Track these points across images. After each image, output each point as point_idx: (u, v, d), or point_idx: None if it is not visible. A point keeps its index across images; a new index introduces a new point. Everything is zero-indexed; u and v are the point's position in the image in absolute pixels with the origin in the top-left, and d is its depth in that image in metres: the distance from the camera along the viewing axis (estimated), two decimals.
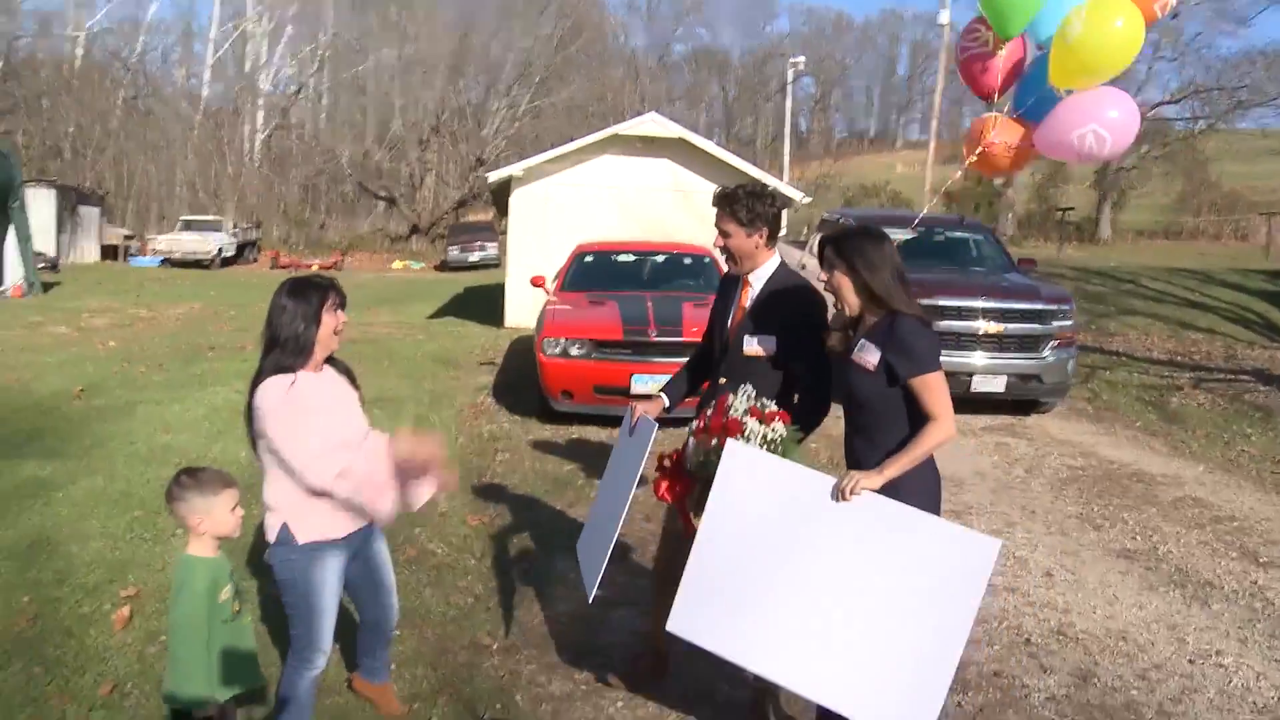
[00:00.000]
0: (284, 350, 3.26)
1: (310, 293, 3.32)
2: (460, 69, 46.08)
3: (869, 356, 3.28)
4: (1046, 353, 9.70)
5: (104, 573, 5.09)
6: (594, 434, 8.89)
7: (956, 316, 9.61)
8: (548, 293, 10.56)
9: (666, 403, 4.12)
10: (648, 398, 4.10)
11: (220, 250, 36.05)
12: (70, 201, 33.98)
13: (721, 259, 4.04)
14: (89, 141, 44.98)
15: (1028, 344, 9.68)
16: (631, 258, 11.20)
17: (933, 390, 3.20)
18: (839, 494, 3.15)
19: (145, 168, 47.44)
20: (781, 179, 28.63)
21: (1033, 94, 4.64)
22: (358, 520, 3.40)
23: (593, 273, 10.78)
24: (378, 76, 43.99)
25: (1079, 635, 4.84)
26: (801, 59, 35.90)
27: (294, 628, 3.38)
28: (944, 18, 30.07)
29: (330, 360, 3.46)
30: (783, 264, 3.94)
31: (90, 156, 44.59)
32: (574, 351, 8.84)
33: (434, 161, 43.89)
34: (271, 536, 3.31)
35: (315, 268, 38.13)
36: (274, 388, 3.19)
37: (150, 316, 18.06)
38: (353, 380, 3.55)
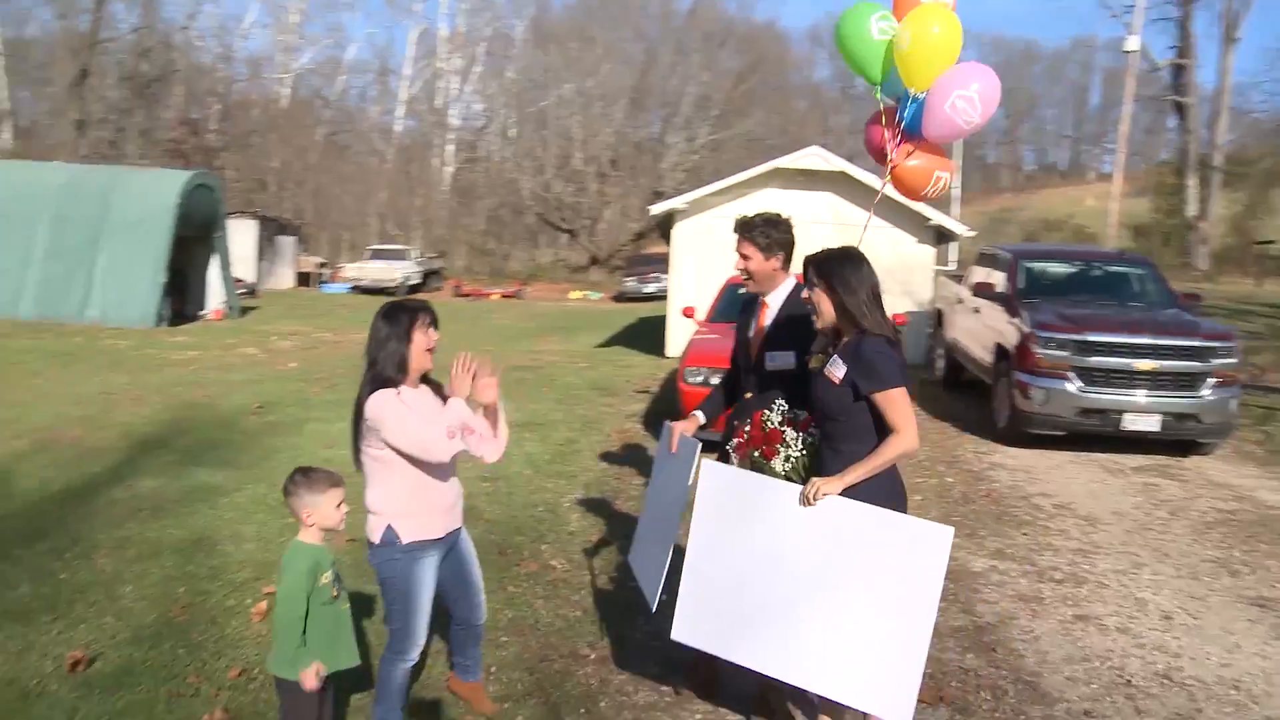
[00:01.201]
0: (382, 367, 3.59)
1: (402, 315, 3.62)
2: (640, 102, 47.14)
3: (836, 370, 3.52)
4: (1205, 391, 9.32)
5: (252, 571, 5.62)
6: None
7: (1108, 353, 9.35)
8: (697, 323, 10.83)
9: (703, 419, 4.39)
10: (686, 417, 4.37)
11: (406, 278, 37.79)
12: (269, 231, 36.37)
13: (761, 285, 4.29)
14: (290, 175, 48.06)
15: (1185, 382, 9.33)
16: None
17: (894, 405, 3.43)
18: (804, 499, 3.42)
19: (340, 199, 50.33)
20: (951, 212, 28.06)
21: (905, 109, 4.71)
22: (455, 519, 3.77)
23: (739, 303, 10.93)
24: (558, 110, 45.41)
25: (1186, 681, 4.73)
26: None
27: (392, 622, 3.69)
28: (1132, 44, 28.85)
29: (425, 380, 3.76)
30: (797, 285, 4.18)
31: (290, 189, 47.62)
32: (715, 381, 9.03)
33: (613, 194, 44.94)
34: (375, 538, 3.63)
35: (496, 296, 39.56)
36: (382, 397, 3.52)
37: (334, 340, 19.23)
38: (442, 395, 3.79)
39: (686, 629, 3.71)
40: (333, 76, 59.62)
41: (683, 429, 4.23)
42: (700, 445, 4.09)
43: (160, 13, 45.02)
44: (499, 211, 52.64)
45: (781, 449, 3.68)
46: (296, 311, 25.93)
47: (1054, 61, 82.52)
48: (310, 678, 3.30)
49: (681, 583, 3.74)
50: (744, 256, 4.24)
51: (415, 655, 3.71)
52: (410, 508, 3.61)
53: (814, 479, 3.46)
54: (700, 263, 16.61)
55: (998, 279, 11.50)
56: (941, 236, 17.79)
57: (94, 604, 5.20)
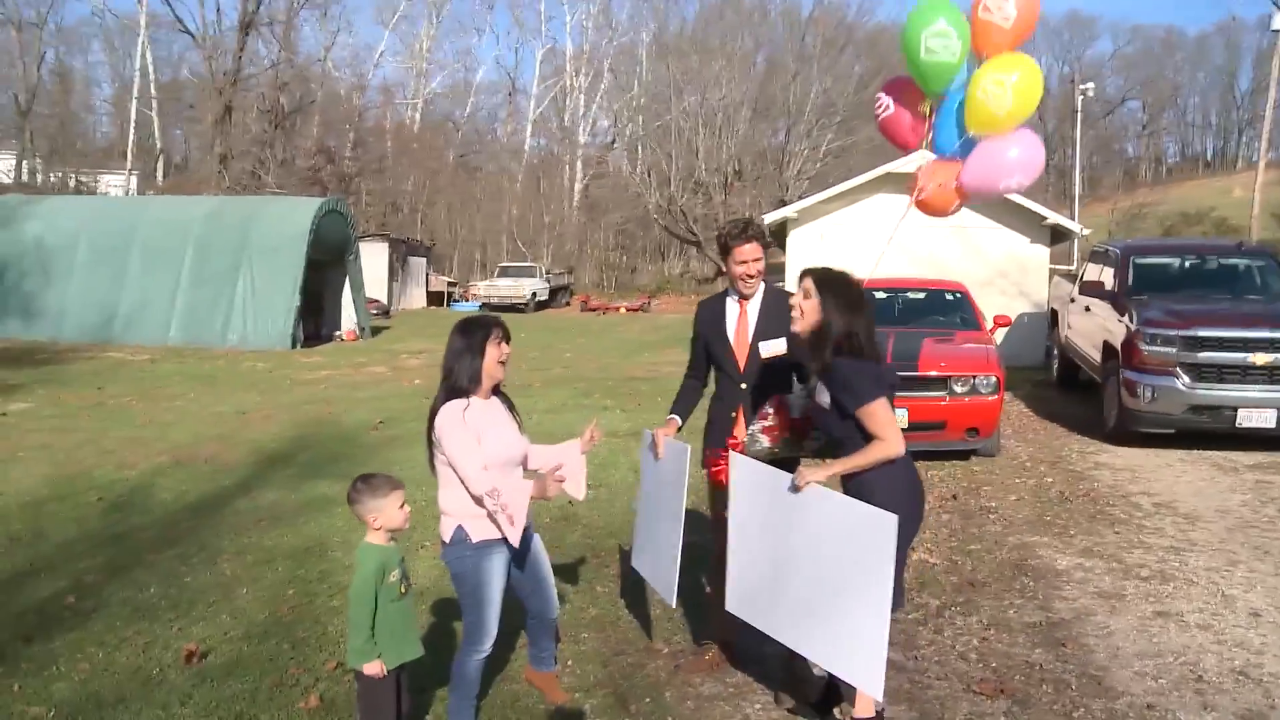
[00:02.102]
0: (456, 379, 3.83)
1: (476, 329, 3.85)
2: (763, 112, 47.14)
3: (822, 397, 3.81)
4: None
5: (347, 574, 5.98)
6: None
7: (1219, 348, 9.11)
8: None
9: (679, 423, 4.65)
10: (667, 422, 4.64)
11: (534, 295, 38.60)
12: (401, 253, 37.65)
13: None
14: (423, 197, 49.66)
15: None
16: (883, 295, 11.35)
17: (874, 417, 3.66)
18: (794, 486, 3.72)
19: (471, 219, 51.71)
20: (1073, 210, 27.32)
21: (955, 138, 4.74)
22: (524, 520, 3.94)
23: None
24: (681, 123, 45.77)
25: (1263, 678, 4.65)
26: (1090, 85, 33.87)
27: (466, 617, 3.93)
28: (1278, 21, 27.61)
29: (497, 392, 4.01)
30: (768, 285, 4.54)
31: (422, 211, 49.20)
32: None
33: (738, 204, 45.00)
34: (447, 537, 3.87)
35: (622, 310, 40.01)
36: (451, 411, 3.76)
37: None
38: (513, 409, 4.09)
39: (737, 601, 4.14)
40: (463, 99, 61.43)
41: (664, 433, 4.53)
42: (689, 448, 4.41)
43: (297, 47, 47.24)
44: (626, 226, 53.28)
45: (815, 432, 4.09)
46: (426, 330, 26.75)
47: (1198, 47, 79.17)
48: (375, 668, 3.56)
49: (729, 563, 4.15)
50: (754, 260, 4.43)
51: (488, 647, 3.92)
52: (478, 509, 3.81)
53: (801, 469, 3.77)
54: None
55: (1107, 276, 11.28)
56: (1058, 235, 17.41)
57: (212, 604, 5.63)
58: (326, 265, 23.93)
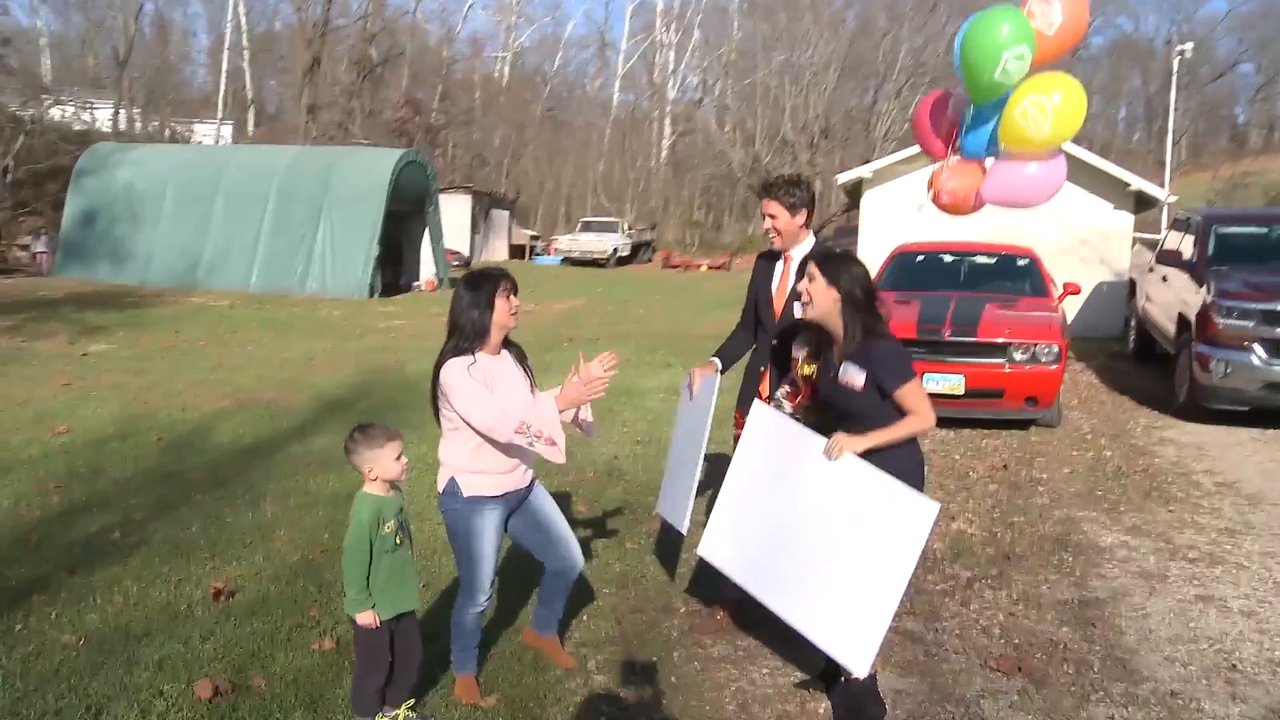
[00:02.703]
0: (463, 334, 3.75)
1: (484, 282, 3.78)
2: (851, 70, 46.25)
3: (855, 379, 3.73)
4: None
5: None
6: None
7: None
8: None
9: (720, 366, 4.64)
10: (706, 363, 4.65)
11: (615, 250, 38.60)
12: (484, 205, 37.94)
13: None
14: (509, 150, 49.84)
15: None
16: (950, 258, 11.09)
17: (911, 395, 3.69)
18: (828, 452, 3.68)
19: (557, 173, 51.82)
20: (1165, 176, 26.33)
21: (984, 144, 4.58)
22: (515, 482, 3.91)
23: (909, 273, 10.82)
24: (767, 81, 45.18)
25: None
26: (1188, 46, 32.40)
27: (459, 570, 3.95)
28: None
29: (509, 345, 3.95)
30: (818, 241, 4.51)
31: (508, 164, 49.40)
32: None
33: (824, 164, 44.34)
34: (440, 487, 3.87)
35: (704, 268, 39.85)
36: (456, 367, 3.70)
37: (535, 310, 19.92)
38: (525, 363, 4.01)
39: (710, 548, 4.13)
40: (552, 53, 61.38)
41: (701, 373, 4.56)
42: (719, 378, 4.48)
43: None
44: (712, 183, 52.91)
45: None
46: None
47: None
48: (367, 618, 3.56)
49: (715, 506, 4.14)
50: (771, 216, 4.48)
51: (482, 602, 3.92)
52: (471, 465, 3.79)
53: (838, 434, 3.69)
54: (889, 232, 16.32)
55: (1188, 245, 10.84)
56: (1146, 203, 16.80)
57: (249, 544, 5.75)
58: (406, 216, 24.22)
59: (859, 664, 3.52)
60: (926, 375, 8.59)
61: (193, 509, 6.38)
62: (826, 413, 4.00)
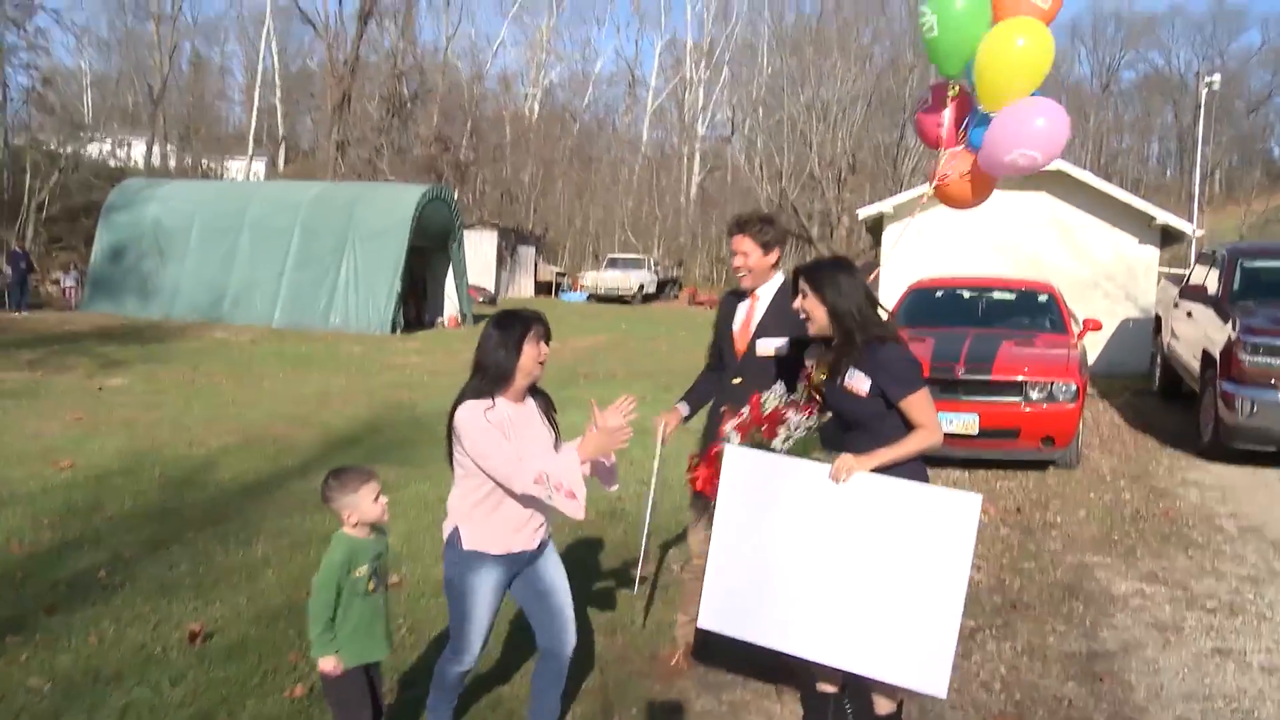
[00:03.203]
0: (486, 376, 3.51)
1: (515, 324, 3.53)
2: (879, 106, 46.26)
3: (860, 385, 3.57)
4: None
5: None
6: None
7: None
8: None
9: (687, 411, 4.53)
10: (671, 410, 4.54)
11: (641, 287, 38.59)
12: (510, 241, 38.07)
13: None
14: (537, 187, 50.11)
15: None
16: (967, 294, 10.89)
17: (918, 406, 3.54)
18: (834, 476, 3.51)
19: (585, 209, 51.98)
20: (1191, 210, 25.99)
21: (973, 123, 4.41)
22: (522, 542, 3.63)
23: (925, 309, 10.63)
24: (794, 116, 45.25)
25: None
26: (1216, 78, 32.15)
27: (451, 623, 3.71)
28: None
29: (536, 393, 3.70)
30: (785, 281, 4.32)
31: (535, 200, 49.64)
32: None
33: (851, 200, 44.25)
34: (445, 535, 3.65)
35: None
36: (472, 409, 3.46)
37: (557, 347, 19.51)
38: (551, 416, 3.74)
39: (715, 617, 3.84)
40: (581, 90, 61.76)
41: (667, 420, 4.44)
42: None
43: (416, 37, 48.14)
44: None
45: (782, 430, 3.83)
46: None
47: None
48: (329, 664, 3.38)
49: (707, 570, 3.87)
50: (743, 254, 4.33)
51: (469, 662, 3.69)
52: (477, 516, 3.57)
53: (844, 454, 3.55)
54: (910, 267, 16.12)
55: (1213, 280, 10.59)
56: (1172, 237, 16.53)
57: (235, 585, 5.61)
58: (430, 252, 24.30)
59: (936, 685, 3.35)
60: (941, 415, 8.37)
61: (184, 547, 6.27)
62: (775, 439, 3.86)
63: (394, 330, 21.53)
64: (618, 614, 5.32)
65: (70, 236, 30.77)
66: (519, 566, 3.68)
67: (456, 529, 3.61)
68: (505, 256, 37.55)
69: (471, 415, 3.46)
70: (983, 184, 4.77)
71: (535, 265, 41.10)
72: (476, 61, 54.84)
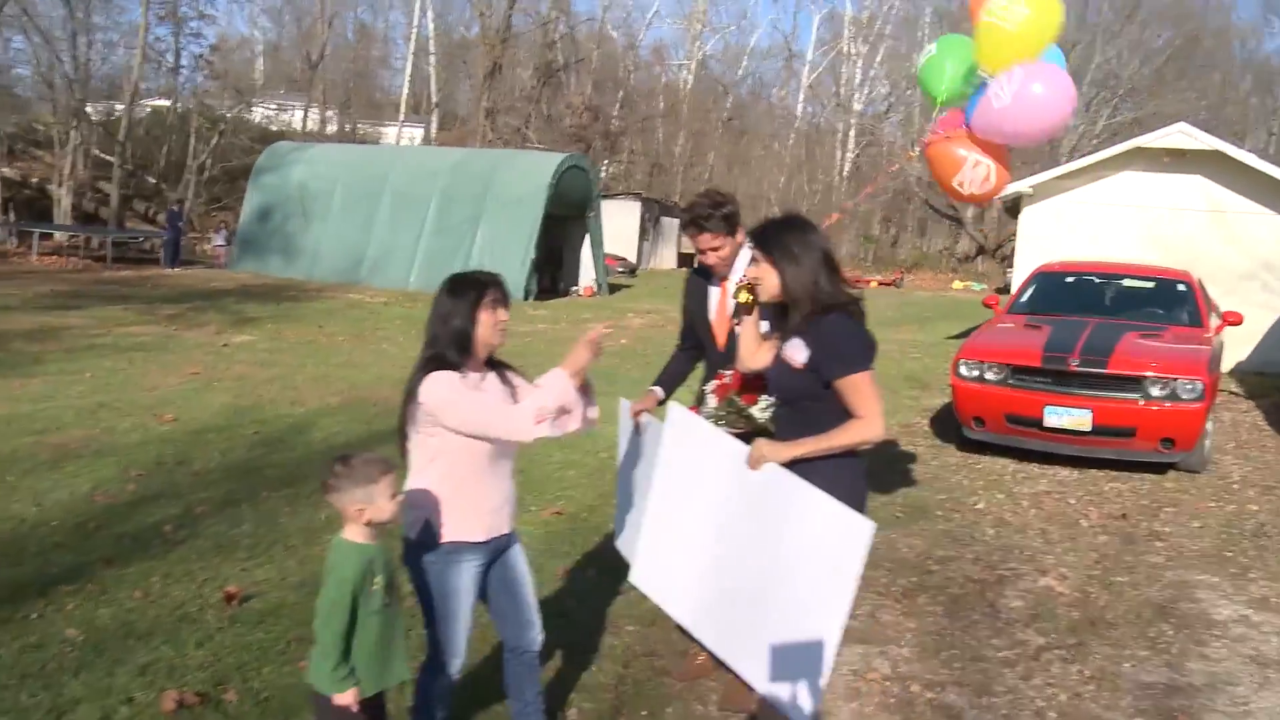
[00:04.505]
0: (443, 346, 3.20)
1: (468, 289, 3.23)
2: None
3: (796, 354, 3.18)
4: None
5: None
6: (998, 466, 8.25)
7: None
8: (997, 312, 10.01)
9: (661, 395, 4.19)
10: (645, 394, 4.19)
11: None
12: (653, 213, 37.96)
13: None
14: (686, 158, 49.84)
15: None
16: (1098, 281, 10.18)
17: (858, 390, 3.11)
18: (750, 462, 3.18)
19: (735, 183, 51.48)
20: None
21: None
22: (501, 524, 3.36)
23: (1050, 295, 9.99)
24: None
25: None
26: None
27: (430, 631, 3.35)
28: None
29: (495, 365, 3.37)
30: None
31: (683, 172, 49.38)
32: (989, 376, 8.28)
33: (1008, 179, 42.59)
34: (412, 534, 3.26)
35: (874, 284, 38.82)
36: (444, 380, 3.14)
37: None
38: (510, 382, 3.37)
39: (642, 574, 3.69)
40: (735, 62, 61.00)
41: (640, 406, 4.07)
42: (666, 408, 3.92)
43: (571, 4, 48.36)
44: (894, 198, 51.62)
45: (762, 398, 3.58)
46: (666, 291, 26.77)
47: None
48: (348, 698, 2.95)
49: (643, 527, 3.67)
50: (712, 249, 4.02)
51: (454, 670, 3.37)
52: (453, 504, 3.23)
53: (759, 441, 3.20)
54: (1049, 251, 15.29)
55: None
56: None
57: (291, 548, 5.61)
58: (568, 220, 24.37)
59: (801, 710, 2.98)
60: (1048, 407, 7.85)
61: (253, 506, 6.31)
62: (755, 407, 3.61)
63: (526, 298, 21.66)
64: (615, 607, 5.01)
65: (228, 197, 32.13)
66: (497, 554, 3.39)
67: (429, 522, 3.21)
68: (648, 227, 37.47)
69: (447, 384, 3.12)
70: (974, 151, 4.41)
71: (679, 238, 40.92)
72: (630, 31, 54.80)
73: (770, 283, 3.27)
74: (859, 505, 3.11)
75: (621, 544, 4.26)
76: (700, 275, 4.24)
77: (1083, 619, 5.07)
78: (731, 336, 3.94)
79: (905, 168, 44.24)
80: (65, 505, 6.13)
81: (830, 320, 3.15)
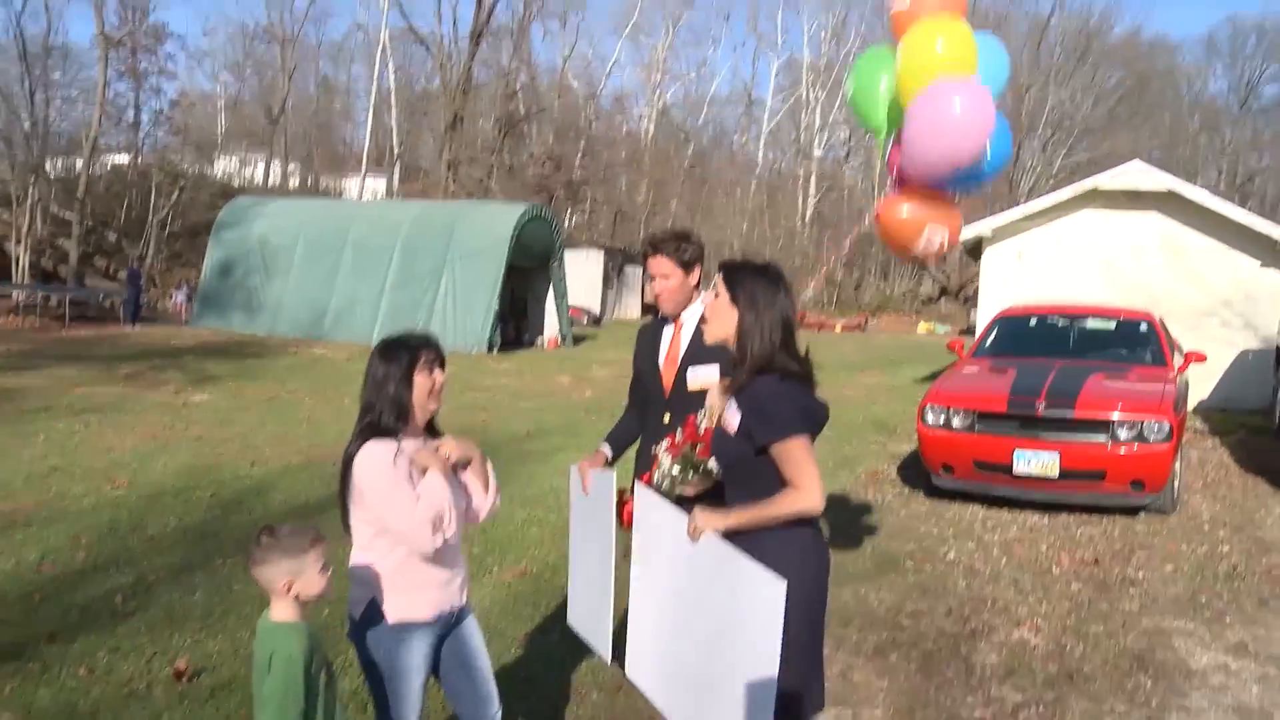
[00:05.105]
0: (378, 413, 3.09)
1: (401, 352, 3.13)
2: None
3: (731, 418, 3.06)
4: None
5: None
6: (968, 514, 8.18)
7: None
8: (961, 356, 10.00)
9: (610, 453, 4.06)
10: (594, 453, 4.05)
11: None
12: (617, 262, 38.00)
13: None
14: (649, 207, 50.09)
15: None
16: (1061, 323, 10.20)
17: (790, 457, 2.93)
18: (690, 534, 3.03)
19: (698, 230, 51.71)
20: None
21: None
22: (450, 598, 3.21)
23: (1013, 338, 10.00)
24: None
25: None
26: None
27: (377, 712, 3.21)
28: None
29: (431, 429, 3.26)
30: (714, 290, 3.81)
31: (647, 220, 49.62)
32: (956, 422, 8.22)
33: (968, 221, 43.24)
34: (357, 613, 3.13)
35: (838, 328, 39.00)
36: (375, 456, 3.02)
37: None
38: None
39: (637, 668, 3.43)
40: (696, 110, 61.60)
41: (588, 465, 3.94)
42: (615, 475, 3.78)
43: (530, 57, 48.74)
44: (855, 241, 52.12)
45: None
46: (630, 341, 26.60)
47: None
48: None
49: (629, 618, 3.45)
50: (662, 276, 3.95)
51: None
52: (398, 582, 3.08)
53: (696, 510, 3.04)
54: (1011, 292, 15.39)
55: None
56: None
57: (244, 617, 5.39)
58: (531, 271, 24.32)
59: None
60: (1017, 452, 7.80)
61: (208, 574, 6.11)
62: (707, 460, 3.37)
63: (490, 350, 21.53)
64: (580, 674, 4.85)
65: (190, 253, 31.86)
66: (447, 629, 3.25)
67: (373, 601, 3.07)
68: (611, 277, 37.51)
69: (375, 463, 2.99)
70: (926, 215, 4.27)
71: (643, 286, 40.99)
72: (591, 81, 55.25)
73: (724, 322, 3.14)
74: (813, 575, 3.02)
75: (574, 620, 4.11)
76: (655, 326, 4.17)
77: (1059, 672, 4.96)
78: (678, 380, 3.88)
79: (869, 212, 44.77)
80: (10, 576, 5.92)
81: (761, 382, 3.02)
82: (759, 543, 2.91)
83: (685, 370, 3.89)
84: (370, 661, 3.12)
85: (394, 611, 3.06)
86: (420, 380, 3.11)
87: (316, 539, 2.82)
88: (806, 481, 2.92)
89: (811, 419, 3.03)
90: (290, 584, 2.76)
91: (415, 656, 3.12)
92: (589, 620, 3.93)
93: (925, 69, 4.02)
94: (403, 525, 2.97)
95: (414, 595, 3.10)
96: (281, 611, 2.78)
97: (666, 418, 3.87)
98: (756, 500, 2.99)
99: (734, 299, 3.10)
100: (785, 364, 3.04)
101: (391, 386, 3.09)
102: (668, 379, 3.97)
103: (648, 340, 4.15)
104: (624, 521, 3.69)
